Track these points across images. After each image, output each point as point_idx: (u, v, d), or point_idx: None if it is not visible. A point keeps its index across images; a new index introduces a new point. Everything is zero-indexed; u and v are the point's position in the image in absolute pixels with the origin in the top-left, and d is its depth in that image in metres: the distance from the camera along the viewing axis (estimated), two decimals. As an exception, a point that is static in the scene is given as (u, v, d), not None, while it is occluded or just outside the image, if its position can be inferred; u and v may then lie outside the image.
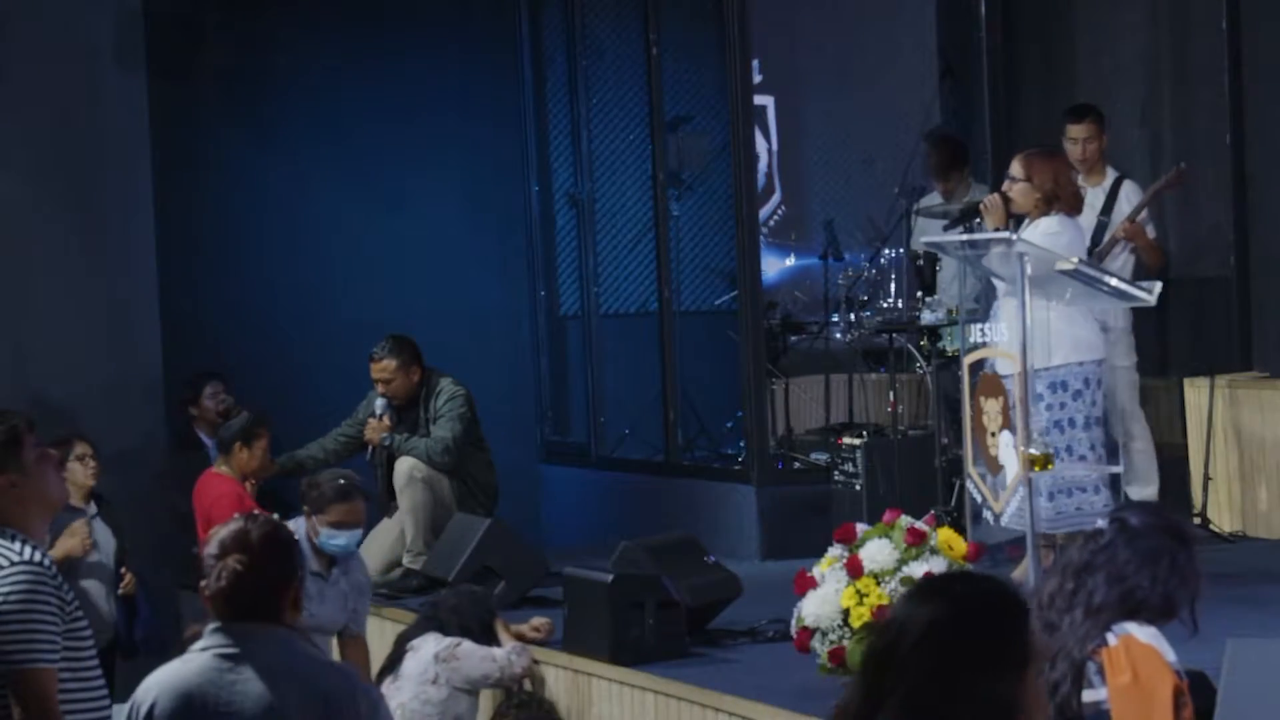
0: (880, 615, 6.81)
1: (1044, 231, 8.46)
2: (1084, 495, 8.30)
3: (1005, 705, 3.03)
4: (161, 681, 4.49)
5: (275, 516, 4.60)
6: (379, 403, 10.39)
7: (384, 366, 10.36)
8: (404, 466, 10.23)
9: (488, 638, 8.57)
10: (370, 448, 10.42)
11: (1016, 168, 8.61)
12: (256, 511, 4.63)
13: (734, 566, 8.93)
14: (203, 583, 4.49)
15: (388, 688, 8.41)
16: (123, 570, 9.75)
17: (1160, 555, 4.70)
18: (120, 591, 9.75)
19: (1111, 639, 4.59)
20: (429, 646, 8.41)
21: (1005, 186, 8.63)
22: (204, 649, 4.46)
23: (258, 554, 4.44)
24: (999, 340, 8.08)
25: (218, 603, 4.45)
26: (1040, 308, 7.88)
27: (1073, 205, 8.62)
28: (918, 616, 3.07)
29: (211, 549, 4.48)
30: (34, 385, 11.68)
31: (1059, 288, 8.00)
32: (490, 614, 8.72)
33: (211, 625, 4.49)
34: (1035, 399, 8.22)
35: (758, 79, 12.99)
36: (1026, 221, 8.59)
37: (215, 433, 11.22)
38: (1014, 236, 7.86)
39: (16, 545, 5.06)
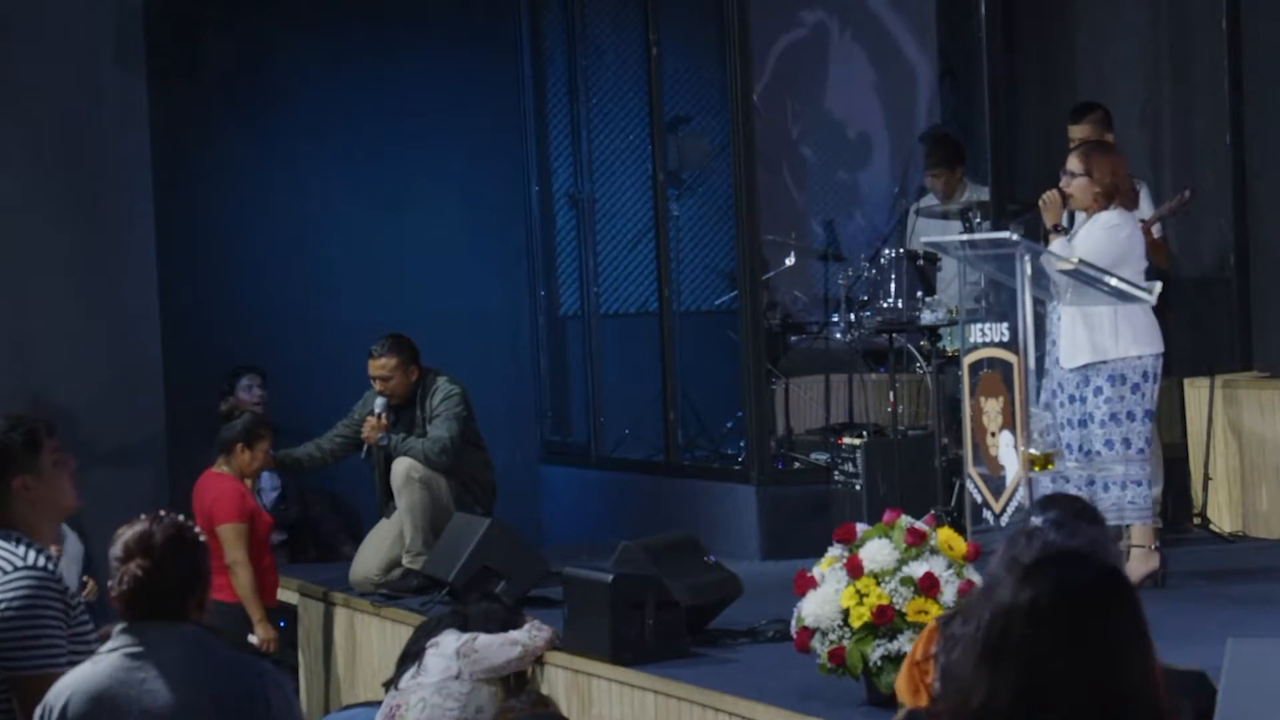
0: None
1: (1104, 225, 8.48)
2: (1139, 489, 8.35)
3: (1134, 686, 3.00)
4: (72, 683, 4.50)
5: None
6: (378, 401, 10.38)
7: (383, 364, 10.35)
8: (401, 467, 10.21)
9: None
10: (366, 446, 10.41)
11: (1075, 163, 8.61)
12: (164, 513, 4.62)
13: (734, 566, 8.92)
14: (109, 583, 4.50)
15: (409, 680, 8.47)
16: (84, 578, 9.69)
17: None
18: (84, 598, 9.70)
19: None
20: (449, 642, 8.49)
21: (1063, 183, 8.64)
22: (112, 649, 4.47)
23: (161, 557, 4.44)
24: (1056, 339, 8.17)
25: (121, 605, 4.47)
26: (1105, 301, 7.97)
27: (1131, 200, 8.64)
28: (1036, 600, 3.04)
29: (116, 550, 4.49)
30: (34, 385, 11.69)
31: (1091, 294, 8.02)
32: (515, 619, 8.76)
33: (119, 625, 4.49)
34: (1095, 391, 8.30)
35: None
36: (1084, 217, 8.61)
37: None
38: (1045, 248, 7.88)
39: (20, 549, 5.03)
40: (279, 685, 4.55)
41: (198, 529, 4.59)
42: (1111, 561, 4.52)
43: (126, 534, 4.50)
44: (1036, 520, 4.78)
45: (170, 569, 4.45)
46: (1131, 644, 3.03)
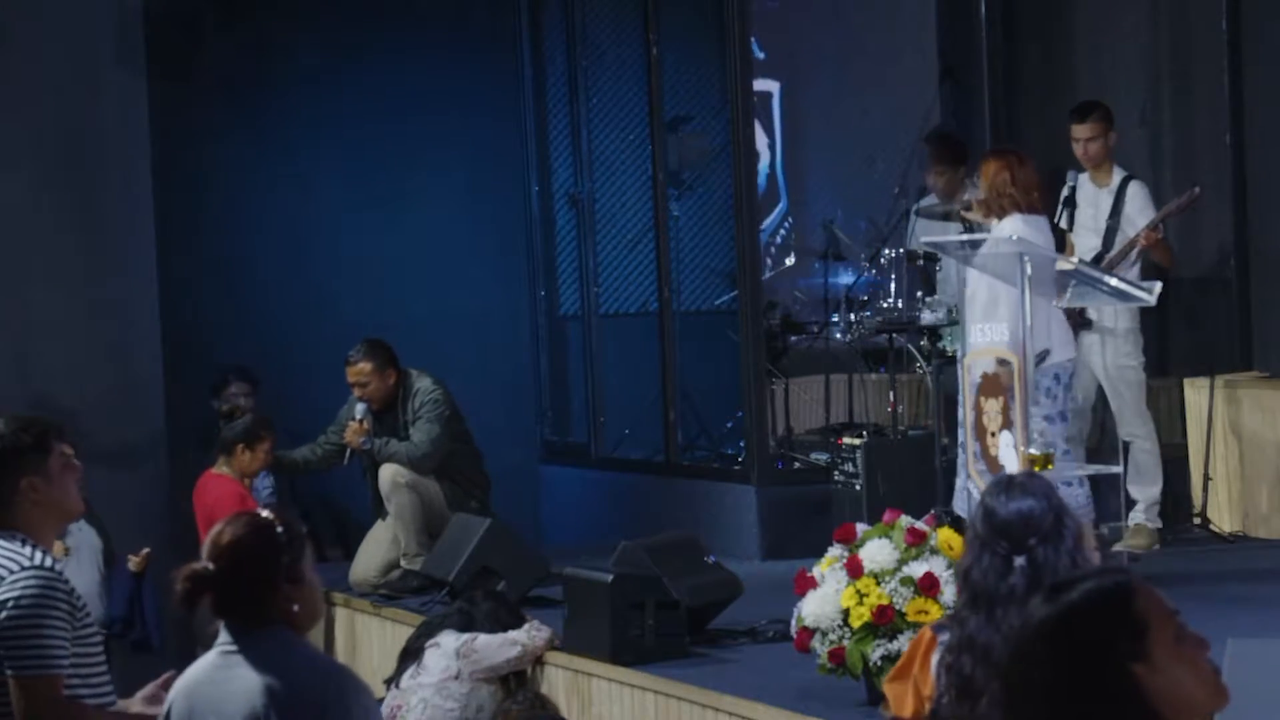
0: (883, 616, 6.83)
1: (1008, 232, 8.38)
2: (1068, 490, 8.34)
3: (1135, 699, 2.97)
4: (183, 677, 4.55)
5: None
6: (359, 407, 10.35)
7: (359, 370, 10.31)
8: (388, 473, 10.20)
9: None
10: (349, 451, 10.36)
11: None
12: (256, 510, 4.61)
13: (734, 566, 8.93)
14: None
15: (409, 680, 8.49)
16: (130, 556, 9.87)
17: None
18: (133, 569, 9.96)
19: None
20: (449, 642, 8.51)
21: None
22: (215, 646, 4.48)
23: (224, 557, 4.43)
24: (999, 340, 8.10)
25: (177, 603, 4.45)
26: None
27: (1019, 205, 8.48)
28: (1031, 616, 3.01)
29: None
30: (34, 386, 11.69)
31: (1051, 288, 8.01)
32: (518, 620, 8.76)
33: (221, 622, 4.49)
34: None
35: (761, 56, 12.99)
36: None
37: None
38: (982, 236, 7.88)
39: (26, 550, 5.01)
40: (358, 692, 4.51)
41: (284, 526, 4.52)
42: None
43: (210, 533, 4.52)
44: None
45: (232, 571, 4.42)
46: (1133, 655, 2.98)
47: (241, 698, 4.39)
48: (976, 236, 8.65)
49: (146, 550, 10.23)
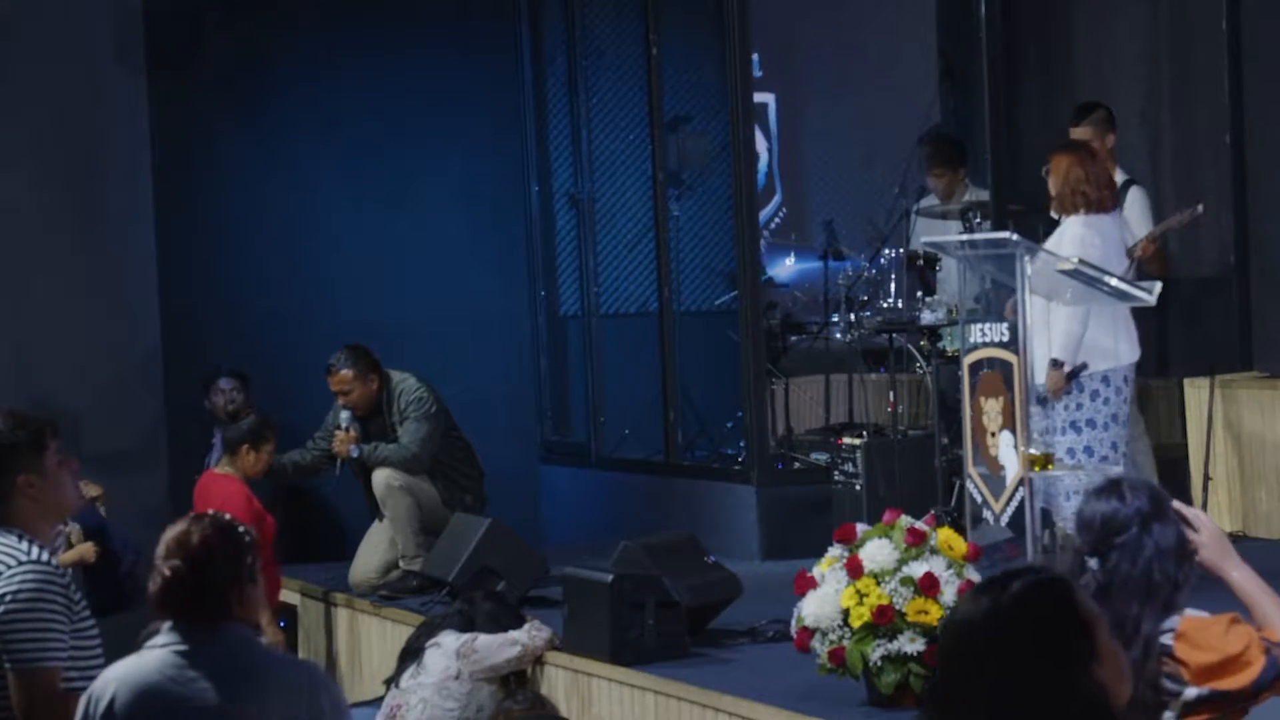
0: (883, 616, 6.83)
1: (1069, 238, 8.48)
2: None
3: (1078, 694, 2.97)
4: (120, 676, 4.53)
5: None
6: (344, 415, 10.35)
7: (341, 378, 10.30)
8: (381, 477, 10.20)
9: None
10: (339, 461, 10.37)
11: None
12: (213, 512, 4.69)
13: (734, 566, 8.93)
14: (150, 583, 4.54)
15: (409, 680, 8.49)
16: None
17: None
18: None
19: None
20: (450, 642, 8.53)
21: None
22: (162, 645, 4.50)
23: (197, 557, 4.48)
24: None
25: (154, 605, 4.50)
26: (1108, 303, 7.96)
27: (1090, 202, 8.57)
28: (975, 617, 3.00)
29: (159, 549, 4.53)
30: (34, 385, 11.69)
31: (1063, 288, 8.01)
32: (518, 621, 8.77)
33: (168, 623, 4.53)
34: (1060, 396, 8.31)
35: (758, 75, 12.99)
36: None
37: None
38: (1012, 236, 7.88)
39: (24, 545, 5.07)
40: (328, 687, 4.58)
41: (244, 527, 4.62)
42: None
43: (168, 533, 4.55)
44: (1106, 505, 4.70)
45: (205, 570, 4.48)
46: (1080, 652, 2.98)
47: (217, 691, 4.42)
48: (977, 237, 8.66)
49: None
